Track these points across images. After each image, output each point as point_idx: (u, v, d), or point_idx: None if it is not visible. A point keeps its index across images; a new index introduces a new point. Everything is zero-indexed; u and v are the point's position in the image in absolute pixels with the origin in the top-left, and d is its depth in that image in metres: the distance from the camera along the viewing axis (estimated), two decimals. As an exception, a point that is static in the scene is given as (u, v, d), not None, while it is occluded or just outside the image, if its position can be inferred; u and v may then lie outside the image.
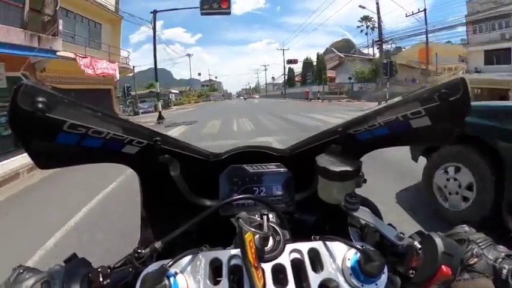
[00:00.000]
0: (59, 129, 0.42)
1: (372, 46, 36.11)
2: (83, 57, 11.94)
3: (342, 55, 42.75)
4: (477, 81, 20.86)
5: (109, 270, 0.49)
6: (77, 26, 13.95)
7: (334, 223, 0.68)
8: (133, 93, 27.91)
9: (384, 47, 25.99)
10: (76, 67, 11.41)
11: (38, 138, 0.41)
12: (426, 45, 28.72)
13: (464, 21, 23.74)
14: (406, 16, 29.63)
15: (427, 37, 27.82)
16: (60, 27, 12.44)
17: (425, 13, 27.88)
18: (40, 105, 0.37)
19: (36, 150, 0.42)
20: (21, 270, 0.44)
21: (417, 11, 26.76)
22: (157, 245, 0.50)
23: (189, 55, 59.91)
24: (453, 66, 35.06)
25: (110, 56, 14.05)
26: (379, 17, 24.05)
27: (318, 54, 43.54)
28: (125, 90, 25.04)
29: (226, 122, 13.90)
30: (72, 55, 11.35)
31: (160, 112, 16.54)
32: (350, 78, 35.09)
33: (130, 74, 19.58)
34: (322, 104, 26.92)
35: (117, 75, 13.95)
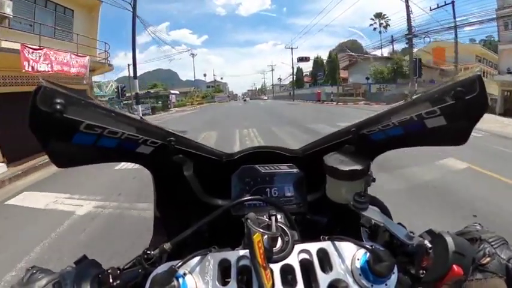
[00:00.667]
0: (75, 130, 0.43)
1: (391, 43, 33.05)
2: (36, 49, 8.93)
3: (354, 54, 39.35)
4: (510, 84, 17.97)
5: (119, 272, 0.49)
6: (38, 11, 10.98)
7: (346, 224, 0.67)
8: (128, 94, 25.22)
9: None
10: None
11: (55, 138, 0.42)
12: (455, 42, 25.52)
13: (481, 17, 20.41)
14: (431, 10, 26.71)
15: (456, 32, 24.68)
16: (8, 11, 9.69)
17: (453, 6, 24.87)
18: (58, 106, 0.38)
19: (54, 150, 0.43)
20: (34, 271, 0.44)
21: (435, 6, 23.66)
22: (167, 246, 0.50)
23: (192, 54, 57.16)
24: (470, 66, 32.30)
25: (77, 48, 11.00)
26: (407, 6, 20.75)
27: (330, 53, 40.04)
28: (119, 91, 22.86)
29: (225, 136, 10.32)
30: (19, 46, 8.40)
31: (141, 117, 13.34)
32: (368, 78, 31.59)
33: (109, 72, 16.48)
34: (341, 107, 23.42)
35: (87, 73, 10.85)
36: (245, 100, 69.36)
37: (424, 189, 4.05)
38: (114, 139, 0.49)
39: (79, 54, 10.59)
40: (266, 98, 76.67)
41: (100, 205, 4.09)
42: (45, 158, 8.18)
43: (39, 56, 8.95)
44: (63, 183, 5.53)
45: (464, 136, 0.49)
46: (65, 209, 4.17)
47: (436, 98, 0.46)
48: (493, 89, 28.62)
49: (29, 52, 8.64)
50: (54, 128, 0.40)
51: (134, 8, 12.71)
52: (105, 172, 5.78)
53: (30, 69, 8.56)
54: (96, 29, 13.30)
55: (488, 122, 11.19)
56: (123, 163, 5.70)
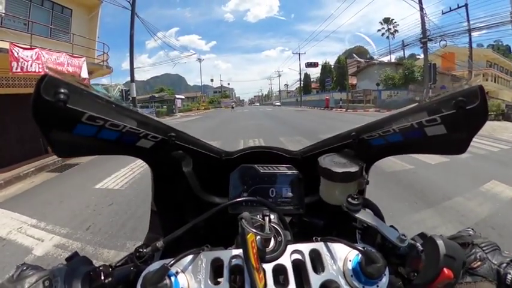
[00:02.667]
0: (77, 121, 0.42)
1: (403, 48, 32.08)
2: (27, 49, 8.25)
3: (363, 60, 38.40)
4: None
5: (110, 269, 0.49)
6: (34, 9, 10.36)
7: (342, 226, 0.67)
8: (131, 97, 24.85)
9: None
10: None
11: (57, 128, 0.42)
12: (470, 46, 24.50)
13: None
14: (443, 13, 25.82)
15: (470, 36, 23.68)
16: (0, 8, 9.10)
17: (466, 9, 23.91)
18: (62, 96, 0.37)
19: (55, 140, 0.43)
20: (24, 268, 0.44)
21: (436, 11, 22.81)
22: (159, 244, 0.50)
23: (199, 59, 56.89)
24: (482, 72, 31.29)
25: (73, 48, 10.30)
26: (421, 8, 19.78)
27: (339, 58, 39.11)
28: (123, 94, 22.57)
29: (229, 147, 9.55)
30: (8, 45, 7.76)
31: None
32: (378, 85, 30.53)
33: (108, 75, 15.59)
34: (352, 115, 22.19)
35: (83, 74, 10.08)
36: (232, 107, 50.41)
37: (488, 235, 3.08)
38: (115, 132, 0.48)
39: (74, 55, 9.89)
40: (279, 103, 65.79)
41: (62, 244, 3.21)
42: (30, 166, 7.54)
43: (30, 56, 8.26)
44: (38, 201, 4.76)
45: (464, 146, 0.49)
46: (24, 243, 3.32)
47: (437, 107, 0.46)
48: (507, 95, 27.67)
49: (19, 52, 7.96)
50: (56, 117, 0.39)
51: (133, 9, 11.97)
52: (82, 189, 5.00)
53: (19, 69, 7.88)
54: (95, 30, 12.65)
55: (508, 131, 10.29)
56: (106, 180, 4.45)
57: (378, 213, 0.57)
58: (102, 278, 0.46)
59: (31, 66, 8.18)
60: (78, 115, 0.41)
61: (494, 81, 33.83)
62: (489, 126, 10.97)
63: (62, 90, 0.37)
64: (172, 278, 0.43)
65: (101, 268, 0.48)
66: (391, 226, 0.51)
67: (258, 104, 77.71)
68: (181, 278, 0.44)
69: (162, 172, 0.69)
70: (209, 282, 0.44)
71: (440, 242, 0.45)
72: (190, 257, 0.47)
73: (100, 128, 0.45)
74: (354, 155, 0.66)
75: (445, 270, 0.42)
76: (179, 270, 0.45)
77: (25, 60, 8.08)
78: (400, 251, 0.48)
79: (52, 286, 0.42)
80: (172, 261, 0.44)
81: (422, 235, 0.50)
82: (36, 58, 8.40)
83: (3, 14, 9.08)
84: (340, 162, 0.61)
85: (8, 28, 8.99)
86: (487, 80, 32.03)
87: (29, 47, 8.47)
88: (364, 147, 0.65)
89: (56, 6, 11.19)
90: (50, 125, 0.40)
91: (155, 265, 0.45)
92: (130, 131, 0.50)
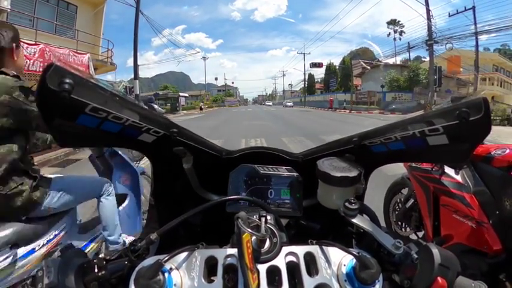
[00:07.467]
0: (81, 111, 0.42)
1: (408, 51, 31.92)
2: (31, 45, 8.32)
3: (368, 62, 38.25)
4: None
5: (104, 262, 0.49)
6: (40, 5, 10.46)
7: (338, 231, 0.68)
8: (137, 93, 25.15)
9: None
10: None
11: (60, 117, 0.42)
12: (476, 50, 24.30)
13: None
14: (450, 16, 25.60)
15: (476, 39, 23.48)
16: (6, 4, 9.17)
17: (473, 11, 23.70)
18: (66, 86, 0.37)
19: (57, 129, 0.44)
20: None
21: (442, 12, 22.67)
22: (153, 236, 0.50)
23: (204, 58, 57.09)
24: (487, 76, 31.03)
25: (77, 44, 10.39)
26: (428, 10, 19.63)
27: (344, 58, 38.99)
28: (127, 90, 22.77)
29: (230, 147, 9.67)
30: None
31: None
32: (383, 87, 30.40)
33: (112, 72, 15.73)
34: (356, 116, 22.12)
35: (90, 72, 10.17)
36: (201, 108, 38.91)
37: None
38: (118, 124, 0.48)
39: (79, 52, 9.96)
40: (291, 103, 57.48)
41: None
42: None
43: (34, 53, 8.31)
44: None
45: (464, 156, 0.49)
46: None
47: (440, 117, 0.47)
48: None
49: (23, 48, 7.99)
50: (59, 107, 0.40)
51: (137, 6, 12.02)
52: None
53: (19, 68, 7.87)
54: (100, 27, 12.78)
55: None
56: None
57: (374, 219, 0.57)
58: (96, 270, 0.47)
59: (33, 65, 8.20)
60: (81, 106, 0.41)
61: (500, 86, 33.46)
62: (494, 131, 10.64)
63: (67, 80, 0.37)
64: (166, 274, 0.43)
65: (94, 261, 0.48)
66: (387, 233, 0.52)
67: (270, 104, 74.71)
68: (175, 275, 0.44)
69: (162, 167, 0.71)
70: (203, 280, 0.45)
71: (435, 251, 0.44)
72: (184, 254, 0.47)
73: (103, 120, 0.46)
74: (354, 160, 0.66)
75: (439, 279, 0.42)
76: (173, 267, 0.45)
77: (27, 59, 8.08)
78: (394, 258, 0.49)
79: (45, 277, 0.42)
80: (166, 257, 0.44)
81: (417, 243, 0.50)
82: (39, 55, 8.43)
83: (8, 10, 9.16)
84: (339, 166, 0.61)
85: (14, 24, 9.05)
86: (492, 84, 31.73)
87: (34, 42, 8.52)
88: (366, 153, 0.65)
89: (61, 3, 11.32)
90: (53, 113, 0.41)
91: (149, 260, 0.46)
92: (133, 124, 0.51)
